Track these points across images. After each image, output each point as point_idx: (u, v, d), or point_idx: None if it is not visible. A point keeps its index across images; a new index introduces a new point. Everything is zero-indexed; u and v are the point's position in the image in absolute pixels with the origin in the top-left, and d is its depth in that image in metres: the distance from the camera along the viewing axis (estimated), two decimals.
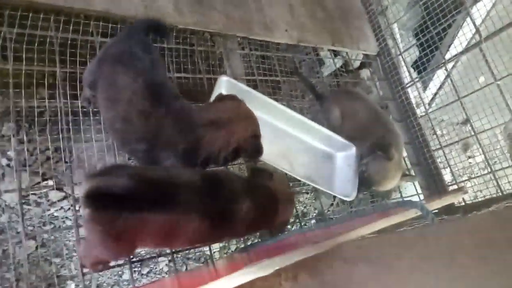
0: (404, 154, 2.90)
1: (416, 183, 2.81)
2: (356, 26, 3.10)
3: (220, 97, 1.58)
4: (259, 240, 1.88)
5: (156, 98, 1.37)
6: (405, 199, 2.67)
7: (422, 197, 2.76)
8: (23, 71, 1.52)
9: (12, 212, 1.75)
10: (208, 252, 2.17)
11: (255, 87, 2.20)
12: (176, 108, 1.41)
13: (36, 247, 1.76)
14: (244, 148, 1.48)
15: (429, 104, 3.68)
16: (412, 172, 2.86)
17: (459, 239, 0.74)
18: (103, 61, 1.40)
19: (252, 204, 1.32)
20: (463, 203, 2.59)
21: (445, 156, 2.76)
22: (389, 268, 0.86)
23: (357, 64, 3.53)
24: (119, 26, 1.82)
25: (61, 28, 1.65)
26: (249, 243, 1.92)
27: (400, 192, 2.85)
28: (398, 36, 3.43)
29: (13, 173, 1.78)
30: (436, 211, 2.49)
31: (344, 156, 2.38)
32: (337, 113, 2.42)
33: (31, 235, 1.74)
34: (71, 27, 1.69)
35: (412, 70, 3.27)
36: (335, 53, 3.30)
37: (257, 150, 1.53)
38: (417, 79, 3.03)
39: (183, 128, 1.39)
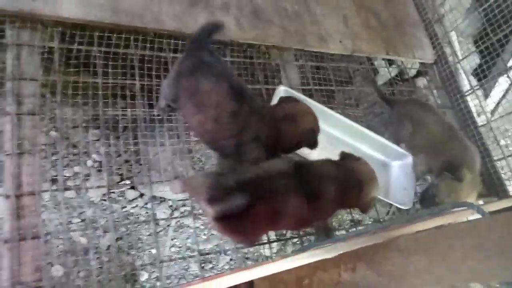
0: None
1: None
2: (411, 35, 3.10)
3: (283, 99, 1.82)
4: (315, 241, 1.96)
5: (241, 99, 1.56)
6: None
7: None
8: (110, 84, 1.76)
9: (96, 208, 1.99)
10: (265, 253, 2.29)
11: (310, 96, 2.31)
12: (257, 106, 1.64)
13: (116, 239, 1.98)
14: (304, 139, 1.70)
15: (491, 113, 3.54)
16: None
17: (510, 229, 0.79)
18: (180, 75, 1.58)
19: (339, 185, 1.52)
20: None
21: (509, 166, 2.65)
22: (443, 258, 0.91)
23: (413, 72, 3.50)
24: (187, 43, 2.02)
25: (139, 46, 1.89)
26: (305, 244, 2.01)
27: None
28: (456, 43, 3.37)
29: (97, 174, 2.02)
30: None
31: (401, 165, 2.39)
32: (408, 130, 2.43)
33: (111, 229, 1.96)
34: (147, 45, 1.91)
35: (471, 77, 3.19)
36: (390, 62, 3.32)
37: (314, 141, 1.73)
38: (477, 87, 2.95)
39: (266, 122, 1.61)
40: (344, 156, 1.75)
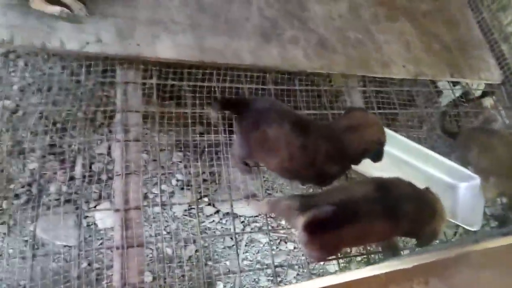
0: None
1: None
2: (475, 56, 3.10)
3: (350, 109, 1.93)
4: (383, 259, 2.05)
5: (304, 129, 1.68)
6: None
7: None
8: (197, 114, 2.04)
9: (179, 222, 2.25)
10: (330, 270, 2.40)
11: None
12: (319, 129, 1.76)
13: (196, 251, 2.22)
14: (369, 150, 1.75)
15: None
16: None
17: None
18: (245, 133, 1.74)
19: (416, 207, 1.63)
20: None
21: None
22: None
23: (478, 92, 3.46)
24: (261, 74, 2.25)
25: (221, 80, 2.15)
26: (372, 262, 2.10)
27: None
28: None
29: (180, 191, 2.29)
30: None
31: (468, 186, 2.40)
32: (475, 151, 2.43)
33: (192, 241, 2.20)
34: (227, 78, 2.17)
35: None
36: (454, 83, 3.31)
37: (379, 154, 1.79)
38: None
39: (331, 138, 1.72)
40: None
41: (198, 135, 2.18)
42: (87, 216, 2.14)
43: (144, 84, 2.00)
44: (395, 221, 1.60)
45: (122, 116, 1.87)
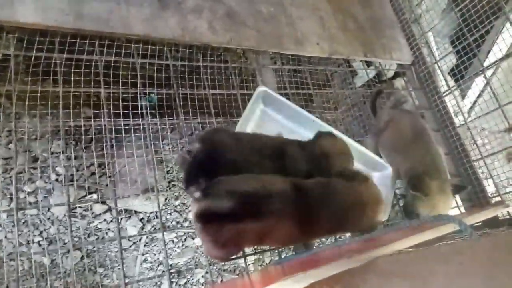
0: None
1: (457, 195, 2.72)
2: (388, 36, 3.07)
3: (319, 135, 1.84)
4: (294, 253, 1.89)
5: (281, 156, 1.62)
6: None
7: (463, 209, 2.67)
8: (71, 93, 1.64)
9: (60, 224, 1.87)
10: (243, 264, 2.20)
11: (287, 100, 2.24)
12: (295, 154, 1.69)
13: (82, 257, 1.86)
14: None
15: (468, 112, 3.56)
16: None
17: (497, 256, 0.73)
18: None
19: (340, 208, 1.47)
20: (508, 216, 2.48)
21: (487, 167, 2.65)
22: (424, 284, 0.85)
23: (390, 74, 3.49)
24: (157, 47, 1.92)
25: (104, 52, 1.77)
26: (283, 255, 1.94)
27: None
28: (433, 44, 3.37)
29: (61, 188, 1.90)
30: (479, 224, 2.39)
31: (380, 176, 2.33)
32: (386, 117, 2.46)
33: (77, 246, 1.84)
34: (113, 51, 1.80)
35: (449, 78, 3.19)
36: (368, 64, 3.29)
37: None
38: (454, 88, 2.95)
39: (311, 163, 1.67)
40: (351, 175, 1.66)
41: (83, 120, 1.81)
42: None
43: None
44: (308, 225, 1.41)
45: None
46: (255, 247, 1.84)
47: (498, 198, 2.61)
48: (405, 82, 3.21)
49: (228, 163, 1.47)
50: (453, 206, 2.66)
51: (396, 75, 3.48)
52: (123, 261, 1.82)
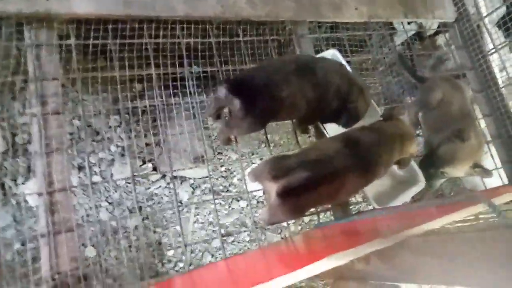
0: (483, 125, 2.80)
1: (496, 157, 2.73)
2: None
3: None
4: (332, 218, 2.05)
5: (310, 71, 1.75)
6: None
7: (502, 172, 2.68)
8: (127, 77, 1.81)
9: (123, 190, 2.12)
10: (283, 224, 2.41)
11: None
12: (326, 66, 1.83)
13: (143, 219, 2.13)
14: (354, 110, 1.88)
15: None
16: (493, 147, 2.76)
17: None
18: (260, 112, 1.65)
19: (385, 149, 1.69)
20: None
21: None
22: (451, 262, 0.97)
23: (432, 31, 3.37)
24: (200, 26, 2.02)
25: (153, 35, 1.90)
26: (321, 216, 2.10)
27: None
28: None
29: (120, 158, 2.13)
30: None
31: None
32: (439, 96, 2.43)
33: (138, 208, 2.10)
34: (161, 33, 1.92)
35: (495, 35, 3.05)
36: (408, 22, 3.19)
37: (357, 116, 1.89)
38: (500, 46, 2.83)
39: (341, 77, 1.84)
40: (389, 115, 1.88)
41: (135, 99, 1.99)
42: (15, 194, 1.96)
43: (60, 46, 1.73)
44: (367, 172, 1.61)
45: (36, 86, 1.63)
46: None
47: None
48: (447, 39, 3.11)
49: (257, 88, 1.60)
50: (492, 168, 2.68)
51: (438, 32, 3.36)
52: (178, 222, 2.05)
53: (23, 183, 1.94)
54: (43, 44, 1.68)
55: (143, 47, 1.90)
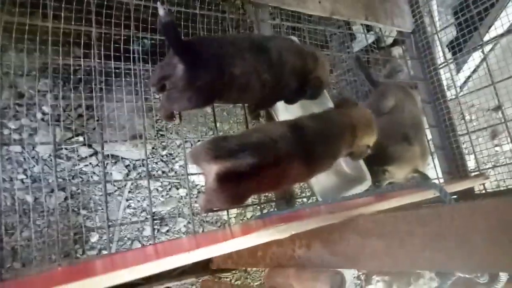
0: (429, 136, 2.86)
1: (438, 167, 2.79)
2: (392, 1, 2.99)
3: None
4: (275, 209, 1.93)
5: (264, 49, 1.61)
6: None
7: (442, 181, 2.74)
8: (61, 29, 1.57)
9: (45, 164, 1.85)
10: (224, 217, 2.25)
11: None
12: (281, 44, 1.71)
13: (65, 198, 1.87)
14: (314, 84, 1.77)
15: (461, 87, 3.56)
16: (436, 157, 2.83)
17: (473, 220, 0.76)
18: (206, 85, 1.48)
19: (336, 135, 1.58)
20: (484, 191, 2.56)
21: (471, 142, 2.70)
22: (401, 243, 0.89)
23: (389, 41, 3.44)
24: None
25: None
26: (264, 211, 1.98)
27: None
28: (436, 13, 3.29)
29: (47, 127, 1.86)
30: (455, 196, 2.46)
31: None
32: (391, 102, 2.44)
33: (62, 186, 1.84)
34: None
35: (447, 50, 3.16)
36: (368, 29, 3.22)
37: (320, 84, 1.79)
38: (451, 60, 2.93)
39: (296, 55, 1.72)
40: (341, 103, 1.78)
41: (73, 59, 1.74)
42: None
43: None
44: (311, 162, 1.49)
45: None
46: None
47: (477, 173, 2.69)
48: (403, 50, 3.17)
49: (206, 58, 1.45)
50: (433, 178, 2.74)
51: (395, 42, 3.42)
52: (107, 205, 1.83)
53: None
54: None
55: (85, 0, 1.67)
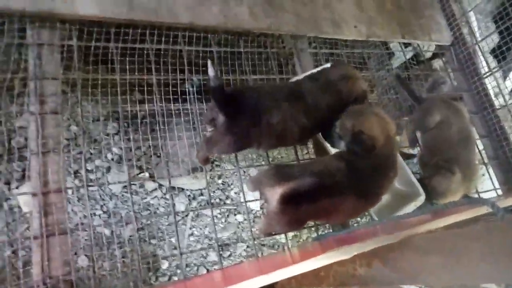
0: (481, 147, 2.81)
1: (494, 177, 2.72)
2: (427, 16, 3.03)
3: (334, 64, 1.96)
4: (331, 231, 2.00)
5: (300, 96, 1.71)
6: (481, 194, 2.59)
7: (499, 192, 2.67)
8: (127, 80, 1.79)
9: (118, 199, 2.06)
10: (281, 240, 2.34)
11: None
12: (313, 88, 1.78)
13: (137, 230, 2.05)
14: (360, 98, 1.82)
15: (510, 94, 3.47)
16: (490, 168, 2.77)
17: None
18: (245, 132, 1.61)
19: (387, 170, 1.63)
20: None
21: None
22: (458, 259, 0.94)
23: (429, 54, 3.44)
24: (202, 35, 2.03)
25: (155, 40, 1.90)
26: (320, 232, 2.05)
27: (476, 187, 2.75)
28: (474, 23, 3.27)
29: (117, 166, 2.08)
30: None
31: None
32: (437, 118, 2.43)
33: (133, 220, 2.03)
34: (163, 39, 1.92)
35: (490, 59, 3.12)
36: (406, 44, 3.26)
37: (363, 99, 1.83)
38: (495, 69, 2.89)
39: (330, 93, 1.78)
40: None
41: (136, 104, 1.96)
42: (8, 199, 1.89)
43: (62, 46, 1.71)
44: (367, 199, 1.57)
45: (35, 85, 1.60)
46: None
47: None
48: (444, 63, 3.17)
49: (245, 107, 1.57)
50: (489, 189, 2.68)
51: (435, 55, 3.43)
52: (174, 233, 1.98)
53: (16, 188, 1.88)
54: (45, 43, 1.67)
55: (145, 52, 1.89)
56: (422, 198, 2.07)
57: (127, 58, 1.85)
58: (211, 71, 1.46)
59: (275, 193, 1.39)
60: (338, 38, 2.52)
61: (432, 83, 3.41)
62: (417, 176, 2.22)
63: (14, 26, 1.64)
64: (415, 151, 2.60)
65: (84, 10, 1.75)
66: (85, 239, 1.90)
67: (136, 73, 1.85)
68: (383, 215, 1.97)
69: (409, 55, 3.27)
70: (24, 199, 1.87)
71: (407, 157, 2.37)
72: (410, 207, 2.04)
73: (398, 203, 2.06)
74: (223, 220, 2.30)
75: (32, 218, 1.45)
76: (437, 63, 3.42)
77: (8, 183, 1.88)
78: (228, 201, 2.34)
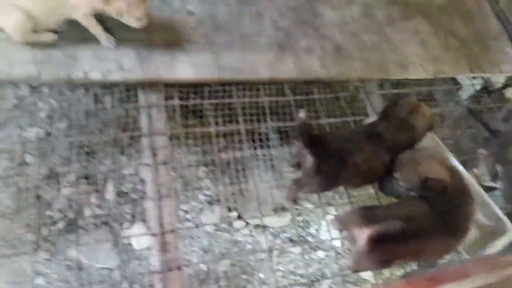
0: None
1: None
2: (494, 48, 3.05)
3: (394, 99, 2.17)
4: (418, 268, 2.04)
5: (378, 136, 1.86)
6: None
7: None
8: (213, 132, 2.09)
9: (210, 237, 2.29)
10: (364, 277, 2.40)
11: None
12: (388, 126, 1.95)
13: (231, 265, 2.26)
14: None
15: None
16: None
17: None
18: (333, 173, 1.76)
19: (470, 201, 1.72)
20: None
21: None
22: None
23: (500, 84, 3.39)
24: (280, 86, 2.29)
25: (240, 95, 2.19)
26: (407, 269, 2.09)
27: None
28: None
29: (209, 206, 2.33)
30: None
31: None
32: None
33: (226, 256, 2.25)
34: (247, 93, 2.21)
35: None
36: (474, 76, 3.25)
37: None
38: None
39: (403, 130, 1.95)
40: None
41: (230, 152, 2.24)
42: (123, 237, 2.19)
43: (166, 106, 2.04)
44: (455, 239, 1.65)
45: (149, 140, 1.92)
46: None
47: None
48: None
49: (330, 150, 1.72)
50: None
51: (506, 85, 3.37)
52: (261, 269, 2.15)
53: (127, 228, 2.18)
54: (153, 105, 2.01)
55: (231, 105, 2.18)
56: (511, 234, 2.03)
57: (218, 112, 2.15)
58: (302, 115, 1.65)
59: (363, 233, 1.51)
60: (406, 78, 2.64)
61: (506, 114, 3.34)
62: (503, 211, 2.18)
63: (129, 93, 2.00)
64: (497, 184, 2.55)
65: (182, 74, 2.08)
66: (188, 274, 2.13)
67: (224, 124, 2.13)
68: (472, 252, 1.98)
69: (478, 86, 3.26)
70: (135, 238, 2.16)
71: (489, 189, 2.34)
72: (500, 243, 2.01)
73: (486, 239, 2.05)
74: (305, 256, 2.42)
75: (153, 256, 1.71)
76: (509, 93, 3.35)
77: (120, 223, 2.20)
78: (308, 238, 2.47)
